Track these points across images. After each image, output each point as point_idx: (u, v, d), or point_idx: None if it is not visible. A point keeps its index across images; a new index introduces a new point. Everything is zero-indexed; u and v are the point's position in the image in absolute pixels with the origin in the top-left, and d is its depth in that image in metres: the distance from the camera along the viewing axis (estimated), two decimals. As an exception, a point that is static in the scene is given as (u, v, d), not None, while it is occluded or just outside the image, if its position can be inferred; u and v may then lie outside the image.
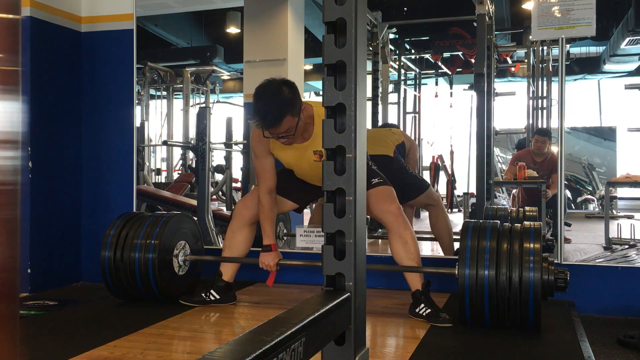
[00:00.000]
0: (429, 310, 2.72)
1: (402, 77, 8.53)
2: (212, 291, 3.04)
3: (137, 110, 6.53)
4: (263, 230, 2.93)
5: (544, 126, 6.70)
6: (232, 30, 8.07)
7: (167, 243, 3.06)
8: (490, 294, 2.47)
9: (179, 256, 3.15)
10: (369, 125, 5.37)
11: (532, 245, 2.49)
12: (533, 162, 5.52)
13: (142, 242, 3.03)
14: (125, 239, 3.08)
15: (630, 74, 9.73)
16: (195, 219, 3.87)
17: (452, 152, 7.91)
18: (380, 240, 5.06)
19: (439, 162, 7.19)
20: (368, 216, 3.37)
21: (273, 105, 2.55)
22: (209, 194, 4.48)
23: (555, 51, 6.69)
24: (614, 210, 7.39)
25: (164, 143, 7.85)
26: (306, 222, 4.97)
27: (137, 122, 4.66)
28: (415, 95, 8.81)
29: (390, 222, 2.78)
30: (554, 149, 5.55)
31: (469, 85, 9.22)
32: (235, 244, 3.03)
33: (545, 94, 6.92)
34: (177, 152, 8.71)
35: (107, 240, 3.10)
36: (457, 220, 5.09)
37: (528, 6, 4.43)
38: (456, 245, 3.91)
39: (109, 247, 3.08)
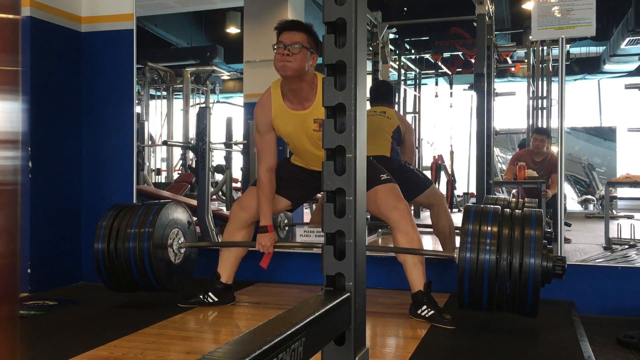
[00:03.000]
0: (431, 311, 2.70)
1: (402, 77, 8.53)
2: (210, 293, 3.02)
3: (137, 109, 6.53)
4: (260, 210, 2.89)
5: (544, 126, 6.71)
6: (232, 30, 8.07)
7: (160, 231, 3.00)
8: (490, 278, 2.45)
9: (174, 244, 3.09)
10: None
11: (533, 232, 2.47)
12: (533, 161, 5.52)
13: (136, 232, 2.96)
14: (118, 229, 3.01)
15: (630, 74, 9.74)
16: (195, 219, 3.86)
17: (452, 152, 7.92)
18: (380, 240, 5.07)
19: (439, 162, 7.19)
20: (368, 216, 3.35)
21: (299, 20, 2.87)
22: (209, 194, 4.48)
23: (555, 51, 6.69)
24: (614, 210, 7.40)
25: (164, 143, 7.85)
26: (306, 219, 4.97)
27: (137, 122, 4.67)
28: (415, 95, 8.82)
29: (397, 220, 2.76)
30: (554, 149, 5.55)
31: (469, 85, 9.22)
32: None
33: (545, 94, 6.93)
34: (177, 152, 8.72)
35: (99, 232, 3.02)
36: (456, 220, 5.07)
37: (528, 6, 4.43)
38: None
39: (102, 239, 2.99)
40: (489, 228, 2.50)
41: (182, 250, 3.15)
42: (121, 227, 3.02)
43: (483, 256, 2.45)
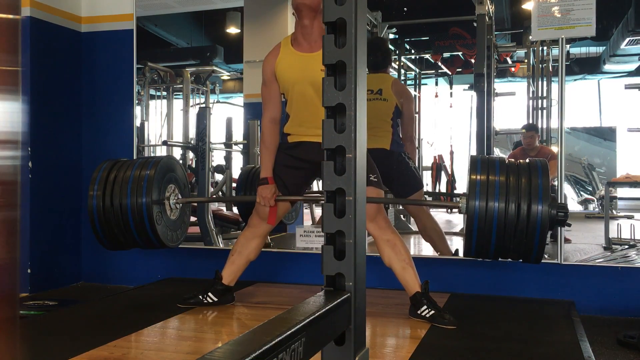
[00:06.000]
0: (432, 311, 2.70)
1: (402, 77, 8.53)
2: (209, 293, 3.01)
3: (137, 110, 6.53)
4: (262, 161, 2.90)
5: (545, 126, 6.70)
6: (232, 30, 8.07)
7: (158, 186, 2.95)
8: (499, 225, 2.46)
9: (170, 199, 3.05)
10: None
11: (540, 180, 2.49)
12: (529, 158, 5.52)
13: (134, 186, 2.88)
14: (113, 183, 2.91)
15: (630, 74, 9.72)
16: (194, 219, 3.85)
17: (452, 152, 7.91)
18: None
19: (439, 162, 7.18)
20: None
21: None
22: (209, 194, 4.48)
23: (555, 51, 6.67)
24: (614, 210, 7.39)
25: (164, 143, 7.84)
26: (306, 222, 4.97)
27: (137, 122, 4.66)
28: (415, 96, 8.81)
29: (375, 231, 2.79)
30: (554, 148, 5.54)
31: (469, 85, 9.20)
32: (246, 250, 3.00)
33: (545, 94, 6.92)
34: (177, 152, 8.70)
35: (93, 186, 2.91)
36: (456, 220, 5.08)
37: (528, 6, 4.42)
38: (457, 245, 3.89)
39: (96, 196, 2.89)
40: (497, 177, 2.51)
41: (179, 207, 3.11)
42: (116, 181, 2.92)
43: (492, 204, 2.46)
